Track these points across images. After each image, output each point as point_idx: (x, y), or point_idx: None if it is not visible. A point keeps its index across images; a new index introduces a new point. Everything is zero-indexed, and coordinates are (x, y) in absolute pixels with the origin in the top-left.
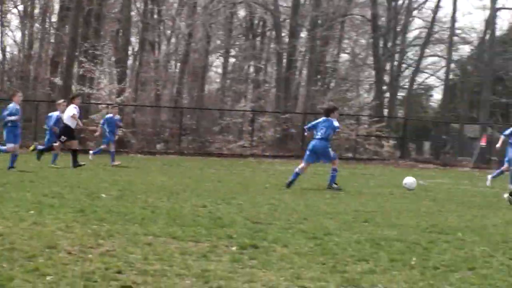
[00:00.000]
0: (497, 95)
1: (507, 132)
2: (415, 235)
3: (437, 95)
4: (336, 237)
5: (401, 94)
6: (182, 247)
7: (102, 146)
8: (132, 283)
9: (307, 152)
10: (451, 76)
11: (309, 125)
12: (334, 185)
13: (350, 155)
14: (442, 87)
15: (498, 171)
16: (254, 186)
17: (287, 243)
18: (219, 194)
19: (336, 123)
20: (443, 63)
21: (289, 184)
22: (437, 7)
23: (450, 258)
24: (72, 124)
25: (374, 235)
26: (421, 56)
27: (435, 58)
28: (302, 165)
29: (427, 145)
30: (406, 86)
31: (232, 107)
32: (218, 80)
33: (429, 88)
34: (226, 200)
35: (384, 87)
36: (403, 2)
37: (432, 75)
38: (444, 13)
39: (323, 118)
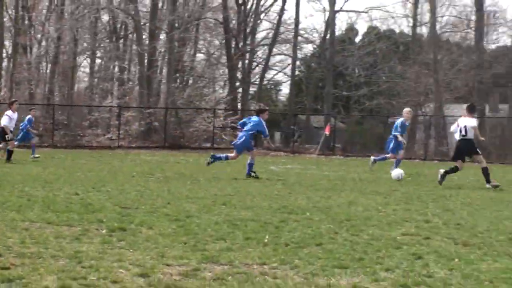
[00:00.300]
0: (339, 89)
1: (396, 127)
2: (268, 216)
3: (285, 90)
4: (197, 219)
5: (252, 89)
6: (56, 231)
7: (34, 140)
8: (11, 265)
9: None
10: (297, 72)
11: (242, 121)
12: (253, 173)
13: (208, 145)
14: (289, 82)
15: (382, 157)
16: (122, 175)
17: (152, 225)
18: (90, 182)
19: (265, 130)
20: (289, 61)
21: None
22: (282, 10)
23: (299, 236)
24: (8, 126)
25: (231, 216)
26: (269, 55)
27: (282, 57)
28: (233, 154)
29: (277, 135)
30: (257, 82)
31: (100, 104)
32: (86, 79)
33: (278, 83)
34: (96, 188)
35: (237, 83)
36: (252, 6)
37: (280, 71)
38: (289, 15)
39: (255, 116)
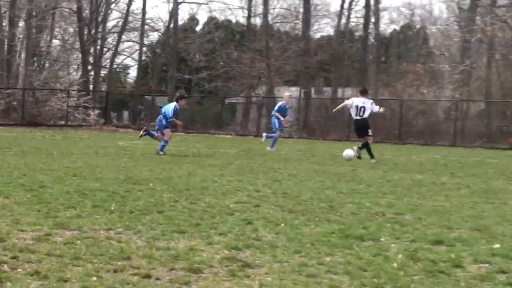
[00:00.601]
0: (181, 72)
1: (276, 108)
2: (115, 186)
3: (133, 73)
4: (50, 189)
5: (103, 72)
6: None
7: None
8: None
9: None
10: (143, 58)
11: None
12: (161, 153)
13: (62, 122)
14: (137, 66)
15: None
16: None
17: (8, 194)
18: None
19: (170, 114)
20: (137, 47)
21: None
22: (130, 1)
23: (143, 204)
24: None
25: (81, 187)
26: (119, 41)
27: (130, 43)
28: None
29: (126, 113)
30: (107, 66)
31: None
32: None
33: (126, 67)
34: None
35: (89, 67)
36: None
37: (128, 56)
38: (137, 6)
39: (174, 102)
